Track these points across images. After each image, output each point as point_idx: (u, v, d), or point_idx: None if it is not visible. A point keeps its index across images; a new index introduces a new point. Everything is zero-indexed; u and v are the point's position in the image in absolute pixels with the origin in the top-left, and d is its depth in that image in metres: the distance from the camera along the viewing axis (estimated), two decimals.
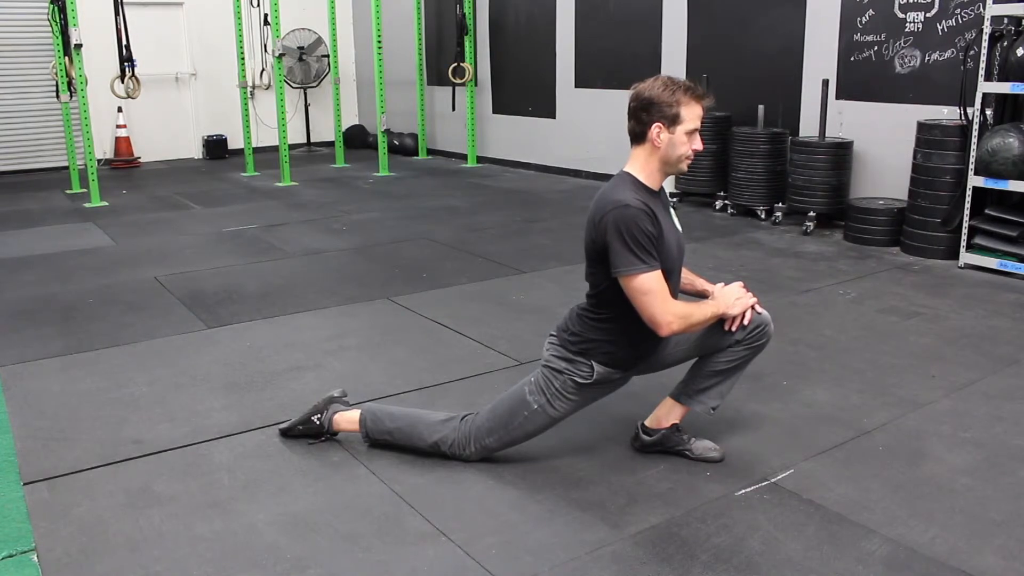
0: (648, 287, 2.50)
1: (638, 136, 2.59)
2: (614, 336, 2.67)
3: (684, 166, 2.62)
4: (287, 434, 3.01)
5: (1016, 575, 2.20)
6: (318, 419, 2.95)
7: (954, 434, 3.00)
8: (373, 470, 2.78)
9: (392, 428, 2.86)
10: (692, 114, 2.53)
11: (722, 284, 2.78)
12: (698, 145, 2.60)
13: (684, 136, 2.54)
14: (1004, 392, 3.36)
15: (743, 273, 5.18)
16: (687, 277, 2.87)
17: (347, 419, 2.93)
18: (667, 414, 2.84)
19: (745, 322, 2.67)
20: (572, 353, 2.69)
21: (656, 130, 2.53)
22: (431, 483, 2.70)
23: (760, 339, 2.72)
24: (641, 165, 2.61)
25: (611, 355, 2.68)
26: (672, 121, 2.52)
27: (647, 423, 2.87)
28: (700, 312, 2.61)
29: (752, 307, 2.69)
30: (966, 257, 5.24)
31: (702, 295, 2.81)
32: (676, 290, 2.72)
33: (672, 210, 2.77)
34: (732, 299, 2.67)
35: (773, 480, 2.69)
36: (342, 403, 2.98)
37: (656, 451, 2.85)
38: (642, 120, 2.55)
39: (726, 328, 2.68)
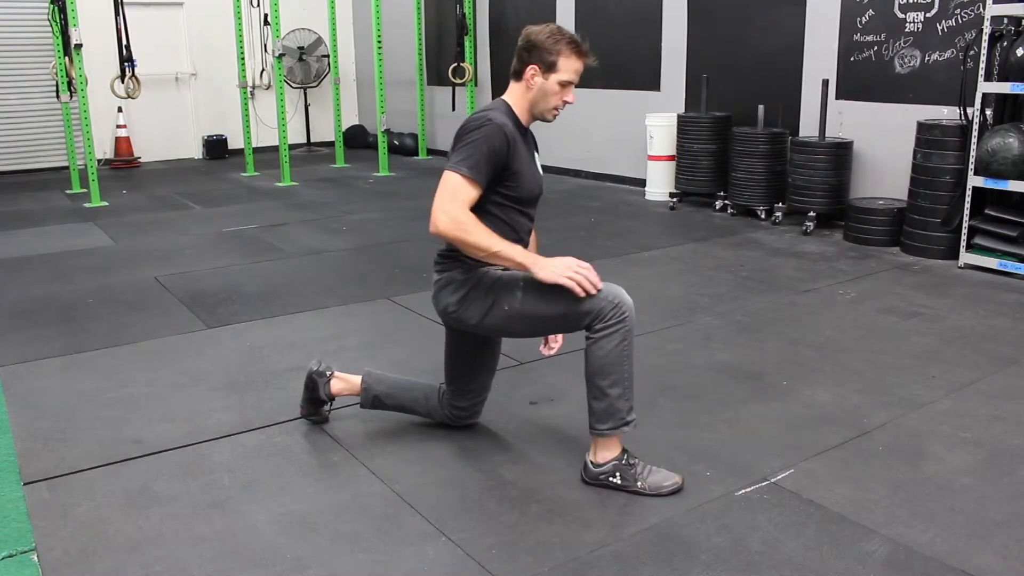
0: (452, 183, 2.53)
1: (517, 73, 2.68)
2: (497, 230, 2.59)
3: (551, 116, 2.71)
4: (308, 417, 3.12)
5: (1016, 575, 2.21)
6: (324, 394, 3.04)
7: (954, 434, 3.00)
8: (373, 470, 2.78)
9: (396, 405, 3.05)
10: (569, 66, 2.61)
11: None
12: (570, 98, 2.67)
13: (557, 86, 2.62)
14: (1004, 392, 3.36)
15: (743, 273, 5.18)
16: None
17: (350, 384, 3.04)
18: (602, 448, 2.63)
19: (582, 290, 2.42)
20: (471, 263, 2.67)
21: (531, 72, 2.63)
22: (431, 483, 2.70)
23: (613, 322, 2.45)
24: (515, 100, 2.71)
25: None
26: (549, 68, 2.61)
27: (591, 457, 2.66)
28: (491, 240, 2.46)
29: (580, 283, 2.42)
30: (966, 257, 5.24)
31: None
32: (531, 221, 2.81)
33: (536, 154, 2.83)
34: (548, 263, 2.46)
35: (773, 480, 2.69)
36: (318, 375, 3.04)
37: (603, 485, 2.62)
38: (523, 59, 2.65)
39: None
